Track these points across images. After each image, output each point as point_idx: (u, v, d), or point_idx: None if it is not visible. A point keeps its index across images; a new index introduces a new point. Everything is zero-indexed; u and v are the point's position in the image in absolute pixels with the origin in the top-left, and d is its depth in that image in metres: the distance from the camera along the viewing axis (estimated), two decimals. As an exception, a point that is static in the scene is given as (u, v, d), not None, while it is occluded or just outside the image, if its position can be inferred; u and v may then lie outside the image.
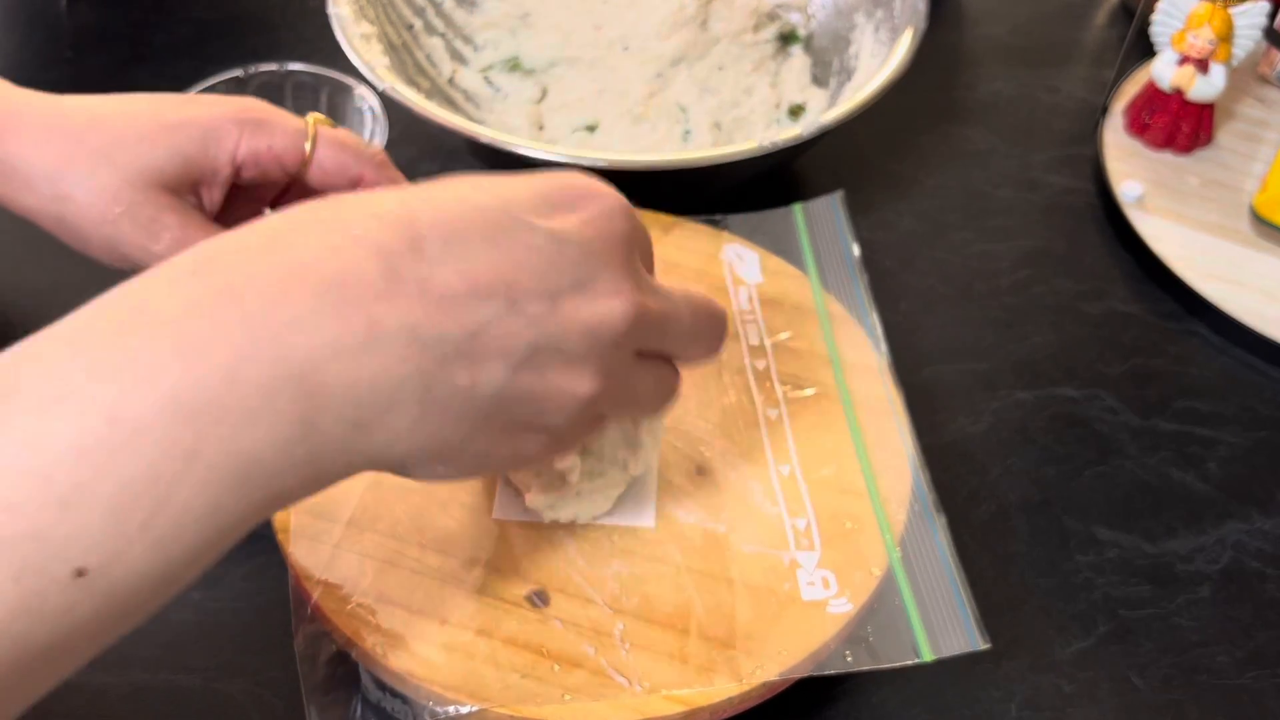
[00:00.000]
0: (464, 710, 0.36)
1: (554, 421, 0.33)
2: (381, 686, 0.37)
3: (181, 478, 0.27)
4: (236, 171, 0.44)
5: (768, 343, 0.48)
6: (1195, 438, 0.54)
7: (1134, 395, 0.55)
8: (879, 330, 0.49)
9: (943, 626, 0.39)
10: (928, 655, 0.38)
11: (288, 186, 0.48)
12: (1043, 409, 0.54)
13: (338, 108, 0.59)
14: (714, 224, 0.53)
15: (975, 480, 0.51)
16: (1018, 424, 0.54)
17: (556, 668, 0.37)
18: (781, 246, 0.52)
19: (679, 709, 0.36)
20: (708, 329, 0.38)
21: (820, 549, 0.41)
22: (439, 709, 0.36)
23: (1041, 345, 0.57)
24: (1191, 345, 0.58)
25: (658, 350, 0.36)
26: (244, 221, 0.48)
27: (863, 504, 0.43)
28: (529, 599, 0.39)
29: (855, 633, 0.39)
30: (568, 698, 0.36)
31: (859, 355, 0.48)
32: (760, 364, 0.47)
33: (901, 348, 0.56)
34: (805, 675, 0.38)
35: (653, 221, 0.52)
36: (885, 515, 0.42)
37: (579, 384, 0.33)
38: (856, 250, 0.52)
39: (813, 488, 0.43)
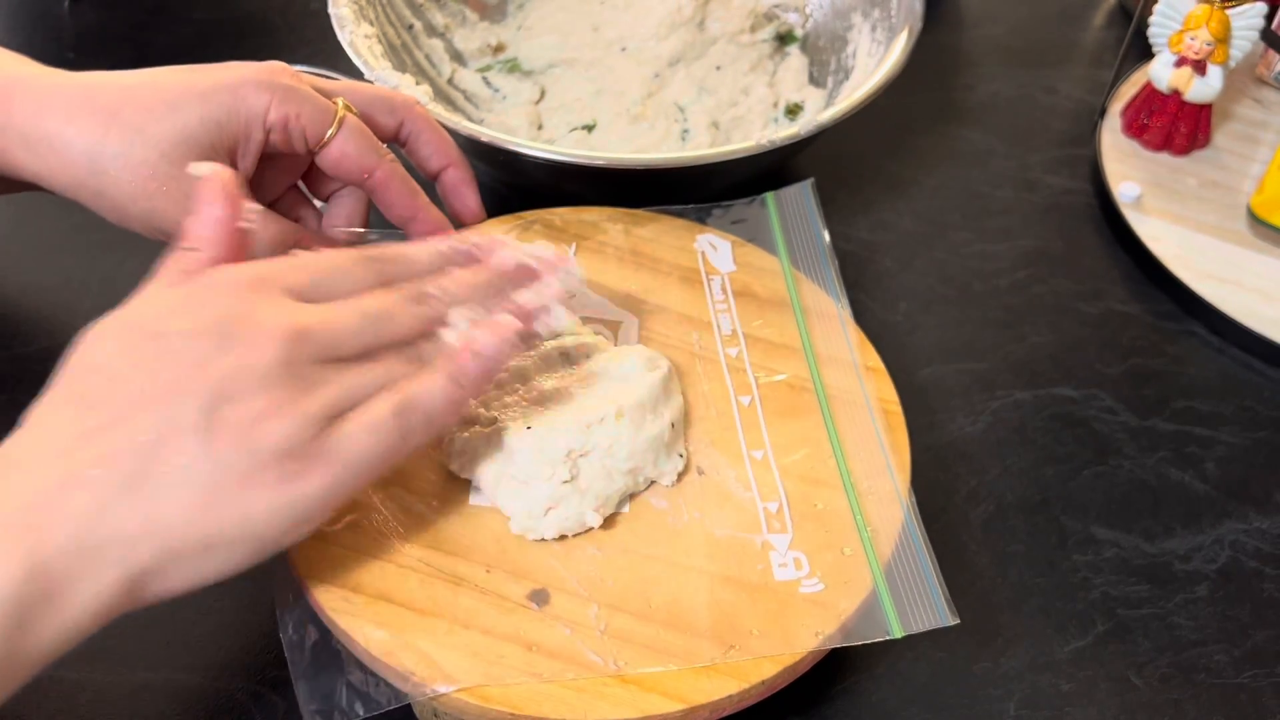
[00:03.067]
0: (441, 691, 0.36)
1: (274, 443, 0.35)
2: (364, 669, 0.38)
3: None
4: (267, 135, 0.44)
5: (740, 330, 0.49)
6: (1193, 437, 0.54)
7: (1132, 395, 0.55)
8: (850, 316, 0.50)
9: (913, 604, 0.40)
10: (898, 632, 0.39)
11: (311, 164, 0.48)
12: (1041, 409, 0.55)
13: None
14: (685, 215, 0.53)
15: (974, 480, 0.51)
16: (1016, 424, 0.54)
17: (533, 650, 0.38)
18: (754, 235, 0.53)
19: (679, 707, 0.36)
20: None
21: (792, 531, 0.42)
22: (417, 691, 0.36)
23: (1040, 345, 0.58)
24: (1189, 345, 0.58)
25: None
26: (276, 197, 0.49)
27: (834, 486, 0.43)
28: (530, 599, 0.39)
29: (827, 612, 0.39)
30: (545, 675, 0.37)
31: (830, 341, 0.49)
32: (733, 351, 0.48)
33: (901, 348, 0.57)
34: (779, 654, 0.38)
35: (626, 217, 0.53)
36: (856, 496, 0.43)
37: (260, 409, 0.35)
38: (827, 237, 0.53)
39: (785, 471, 0.44)
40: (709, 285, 0.50)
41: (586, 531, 0.41)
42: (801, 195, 0.54)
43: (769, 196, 0.54)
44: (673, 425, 0.43)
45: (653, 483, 0.43)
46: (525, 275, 0.42)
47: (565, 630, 0.38)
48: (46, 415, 0.35)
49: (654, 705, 0.36)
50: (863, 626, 0.39)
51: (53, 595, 0.32)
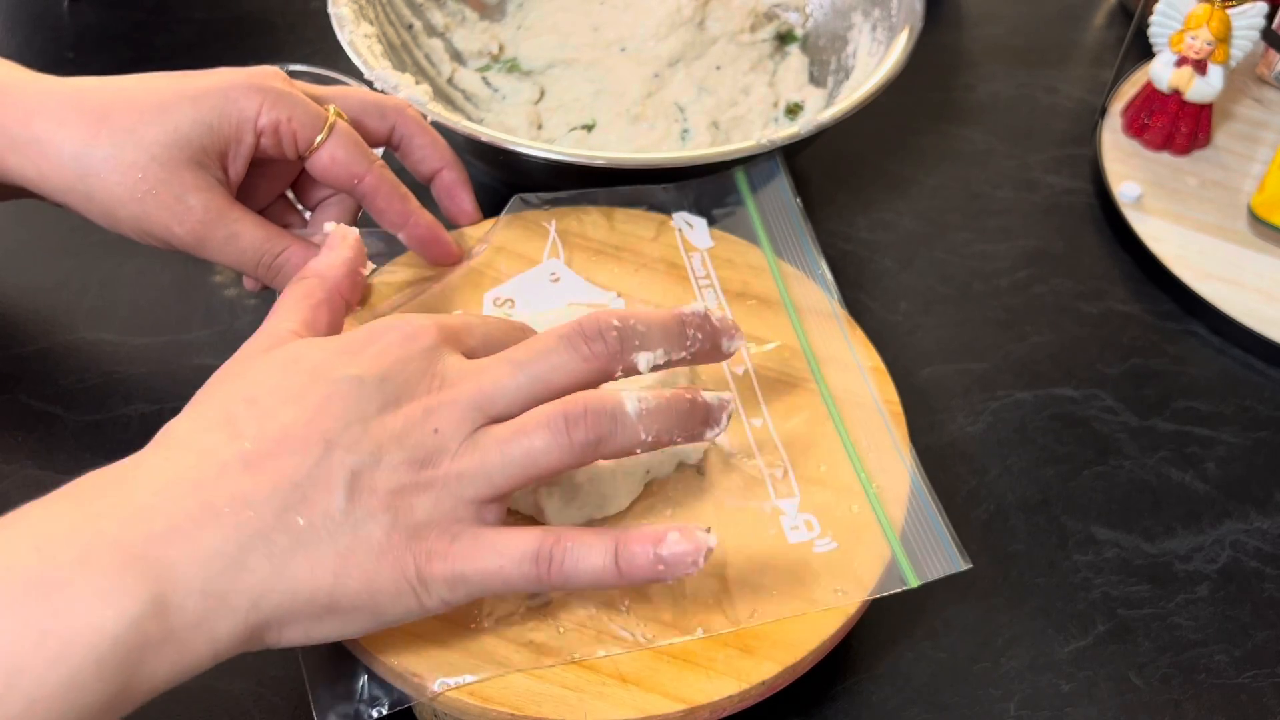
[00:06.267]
0: (469, 680, 0.36)
1: (418, 519, 0.34)
2: (371, 674, 0.38)
3: (34, 652, 0.29)
4: (258, 139, 0.44)
5: (725, 304, 0.49)
6: (1194, 438, 0.54)
7: (1132, 395, 0.55)
8: (830, 279, 0.50)
9: (925, 553, 0.41)
10: (914, 581, 0.40)
11: (300, 172, 0.48)
12: (1042, 409, 0.55)
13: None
14: (654, 196, 0.53)
15: (974, 480, 0.51)
16: (1017, 424, 0.54)
17: (562, 629, 0.38)
18: (728, 209, 0.53)
19: (679, 707, 0.36)
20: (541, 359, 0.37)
21: (799, 494, 0.42)
22: (443, 681, 0.36)
23: (1040, 345, 0.58)
24: (1190, 345, 0.58)
25: (514, 408, 0.36)
26: (265, 205, 0.49)
27: (835, 448, 0.44)
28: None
29: (843, 569, 0.40)
30: (577, 655, 0.37)
31: (814, 304, 0.49)
32: None
33: (901, 348, 0.57)
34: (799, 614, 0.39)
35: (601, 211, 0.53)
36: (858, 455, 0.44)
37: (408, 481, 0.34)
38: (799, 204, 0.53)
39: (785, 437, 0.44)
40: (689, 262, 0.51)
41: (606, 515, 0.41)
42: (772, 168, 0.54)
43: (738, 172, 0.54)
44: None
45: (679, 463, 0.43)
46: (706, 326, 0.39)
47: (591, 608, 0.38)
48: (190, 435, 0.35)
49: (654, 705, 0.36)
50: (880, 580, 0.40)
51: (173, 635, 0.31)
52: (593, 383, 0.37)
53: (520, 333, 0.40)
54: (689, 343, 0.39)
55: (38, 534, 0.32)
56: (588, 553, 0.35)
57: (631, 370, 0.38)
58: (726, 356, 0.40)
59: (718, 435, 0.38)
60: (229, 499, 0.33)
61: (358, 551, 0.33)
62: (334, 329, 0.40)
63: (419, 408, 0.35)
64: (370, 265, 0.43)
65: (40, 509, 0.32)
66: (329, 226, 0.44)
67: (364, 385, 0.35)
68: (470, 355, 0.38)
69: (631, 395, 0.36)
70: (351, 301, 0.42)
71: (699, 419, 0.37)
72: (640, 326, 0.38)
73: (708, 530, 0.35)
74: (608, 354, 0.37)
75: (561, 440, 0.35)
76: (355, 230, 0.44)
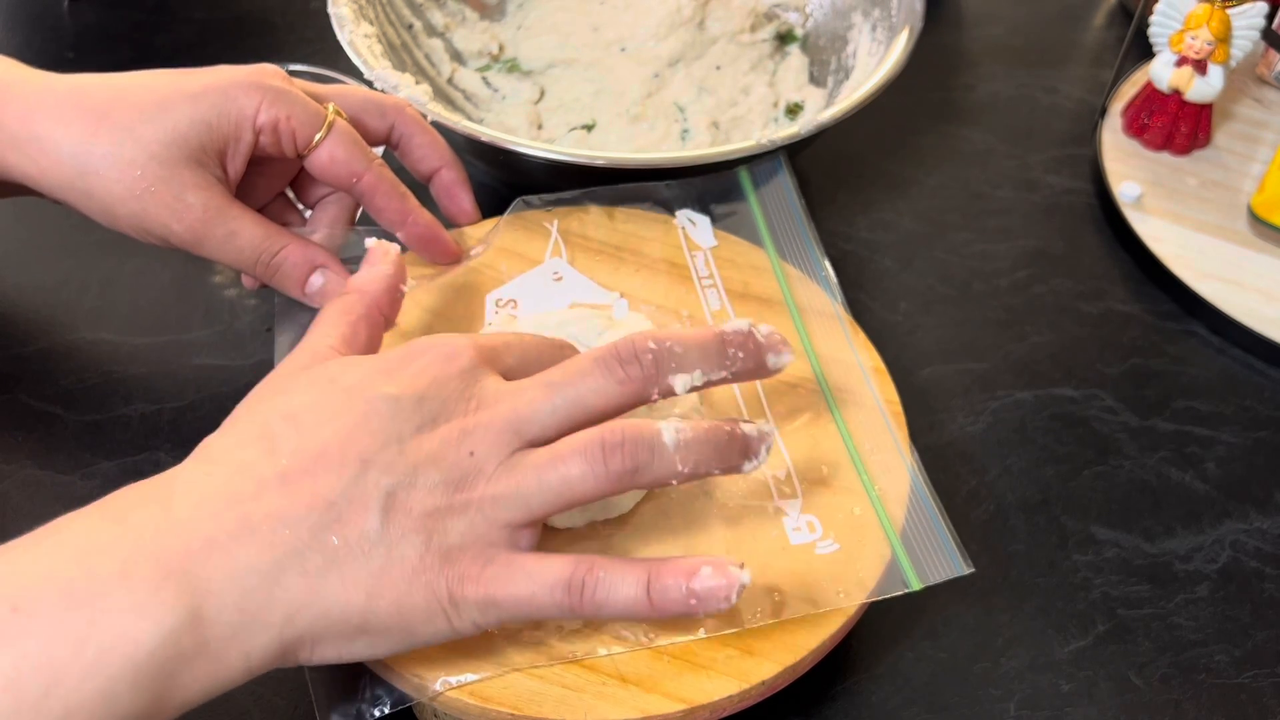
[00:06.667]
0: (469, 679, 0.36)
1: (451, 542, 0.34)
2: (371, 674, 0.38)
3: (72, 661, 0.29)
4: (257, 138, 0.44)
5: (728, 304, 0.49)
6: (1193, 437, 0.54)
7: (1132, 395, 0.55)
8: (833, 280, 0.50)
9: (927, 556, 0.41)
10: (916, 584, 0.40)
11: (299, 171, 0.48)
12: (1041, 409, 0.55)
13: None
14: (662, 206, 0.53)
15: (974, 480, 0.51)
16: (1017, 424, 0.54)
17: (563, 629, 0.38)
18: (731, 207, 0.53)
19: (679, 707, 0.36)
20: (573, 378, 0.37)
21: (801, 495, 0.42)
22: (444, 680, 0.36)
23: (1040, 345, 0.58)
24: (1190, 345, 0.58)
25: (552, 433, 0.36)
26: (264, 203, 0.49)
27: (837, 450, 0.44)
28: None
29: (845, 571, 0.40)
30: (577, 655, 0.37)
31: (816, 306, 0.49)
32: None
33: (901, 348, 0.57)
34: (801, 615, 0.39)
35: (604, 212, 0.53)
36: (860, 458, 0.44)
37: (443, 504, 0.34)
38: (803, 204, 0.53)
39: (788, 438, 0.44)
40: (692, 260, 0.51)
41: (610, 519, 0.41)
42: (775, 167, 0.54)
43: (742, 171, 0.54)
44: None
45: None
46: (748, 344, 0.38)
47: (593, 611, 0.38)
48: (228, 451, 0.35)
49: (654, 705, 0.36)
50: (881, 583, 0.40)
51: (207, 649, 0.31)
52: (628, 406, 0.37)
53: (558, 350, 0.40)
54: (729, 362, 0.38)
55: (77, 545, 0.32)
56: (620, 583, 0.35)
57: (668, 392, 0.37)
58: (774, 373, 0.39)
59: (756, 468, 0.38)
60: (265, 516, 0.33)
61: (391, 572, 0.33)
62: (373, 345, 0.40)
63: (455, 429, 0.35)
64: (410, 282, 0.43)
65: (79, 520, 0.33)
66: (370, 242, 0.44)
67: (401, 405, 0.35)
68: (507, 375, 0.38)
69: (670, 425, 0.36)
70: (390, 317, 0.42)
71: (737, 451, 0.37)
72: (677, 348, 0.37)
73: (741, 565, 0.35)
74: (643, 377, 0.37)
75: (598, 469, 0.35)
76: (396, 247, 0.43)
